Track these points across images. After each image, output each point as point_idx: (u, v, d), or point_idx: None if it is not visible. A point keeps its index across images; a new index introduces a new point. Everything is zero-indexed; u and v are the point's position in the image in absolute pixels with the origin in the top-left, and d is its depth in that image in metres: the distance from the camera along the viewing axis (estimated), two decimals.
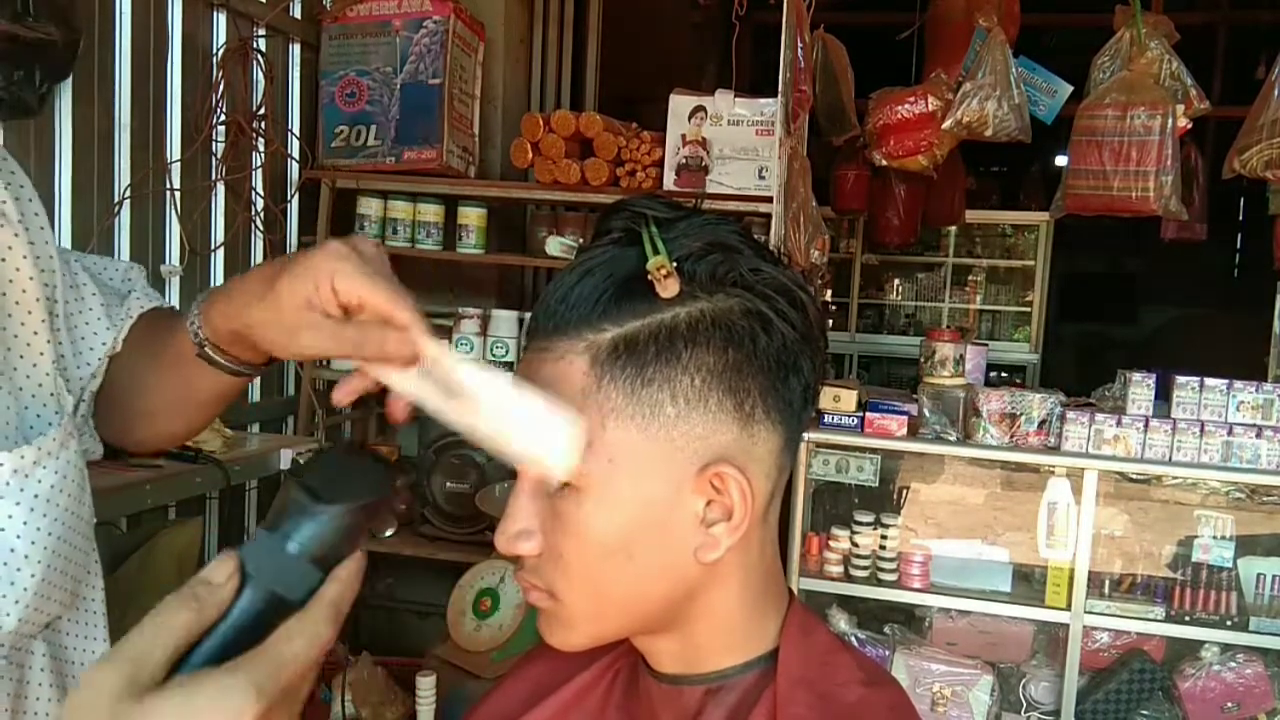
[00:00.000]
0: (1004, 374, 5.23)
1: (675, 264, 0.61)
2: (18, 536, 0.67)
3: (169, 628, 0.45)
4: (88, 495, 0.74)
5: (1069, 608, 2.39)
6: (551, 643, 0.68)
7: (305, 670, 0.46)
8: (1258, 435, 2.28)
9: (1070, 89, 3.03)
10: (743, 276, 0.63)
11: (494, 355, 2.59)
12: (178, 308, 0.81)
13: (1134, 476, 2.46)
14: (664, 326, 0.61)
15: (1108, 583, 2.48)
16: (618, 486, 0.62)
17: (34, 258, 0.71)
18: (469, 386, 0.57)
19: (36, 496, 0.69)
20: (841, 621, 2.52)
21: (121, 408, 0.79)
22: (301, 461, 2.08)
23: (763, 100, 2.51)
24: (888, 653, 2.50)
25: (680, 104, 2.55)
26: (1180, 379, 2.35)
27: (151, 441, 0.82)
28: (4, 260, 0.68)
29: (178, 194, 2.25)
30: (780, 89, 2.23)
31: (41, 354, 0.72)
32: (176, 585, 0.46)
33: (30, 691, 0.72)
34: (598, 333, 0.61)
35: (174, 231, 2.28)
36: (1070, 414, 2.34)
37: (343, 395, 0.60)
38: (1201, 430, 2.29)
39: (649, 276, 0.61)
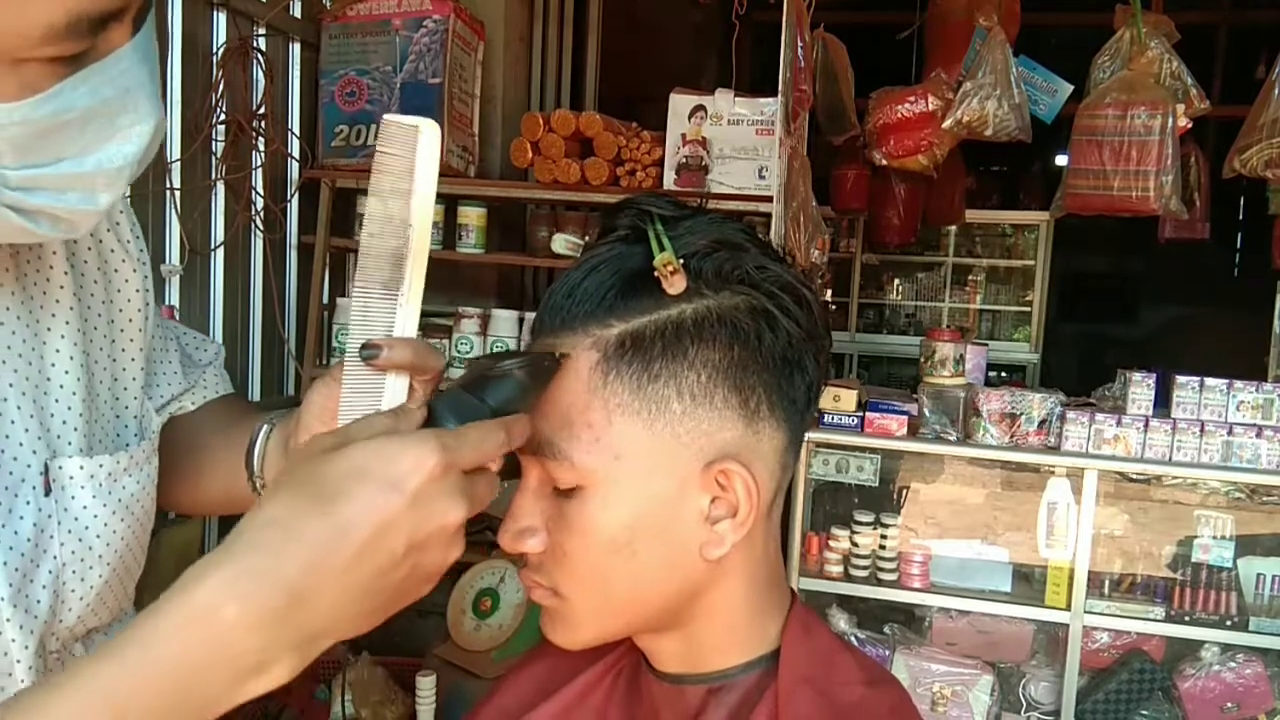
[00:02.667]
0: (1004, 374, 5.24)
1: (681, 261, 0.61)
2: (97, 536, 0.71)
3: (371, 423, 0.53)
4: (152, 517, 0.78)
5: (1069, 608, 2.39)
6: (556, 641, 0.68)
7: (481, 457, 0.53)
8: (1258, 435, 2.28)
9: (1070, 88, 3.03)
10: (749, 274, 0.63)
11: None
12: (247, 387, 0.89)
13: (1134, 476, 2.46)
14: (670, 323, 0.61)
15: (1108, 583, 2.48)
16: (623, 483, 0.62)
17: (142, 295, 0.78)
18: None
19: (120, 501, 0.72)
20: (841, 621, 2.52)
21: (170, 463, 0.83)
22: None
23: (763, 100, 2.50)
24: (888, 652, 2.50)
25: (680, 103, 2.55)
26: (1180, 379, 2.35)
27: (183, 503, 0.87)
28: (121, 290, 0.76)
29: (177, 193, 2.25)
30: (780, 88, 2.23)
31: (134, 379, 0.79)
32: None
33: None
34: (604, 328, 0.62)
35: (174, 231, 2.27)
36: (1070, 414, 2.34)
37: None
38: (1201, 430, 2.30)
39: (656, 273, 0.61)
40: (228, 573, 0.46)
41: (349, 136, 2.61)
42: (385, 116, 0.61)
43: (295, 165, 2.70)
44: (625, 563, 0.63)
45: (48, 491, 0.68)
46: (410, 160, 0.60)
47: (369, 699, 2.34)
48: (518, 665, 0.81)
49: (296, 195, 2.72)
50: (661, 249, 0.61)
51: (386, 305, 0.61)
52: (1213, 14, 5.23)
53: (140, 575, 0.80)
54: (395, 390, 0.60)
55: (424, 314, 0.64)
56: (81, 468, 0.69)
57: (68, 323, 0.70)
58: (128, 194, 0.77)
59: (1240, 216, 6.62)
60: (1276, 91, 2.61)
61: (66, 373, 0.70)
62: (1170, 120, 2.65)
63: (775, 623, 0.70)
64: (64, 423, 0.69)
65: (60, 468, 0.68)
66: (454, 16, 2.56)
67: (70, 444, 0.70)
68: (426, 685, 2.07)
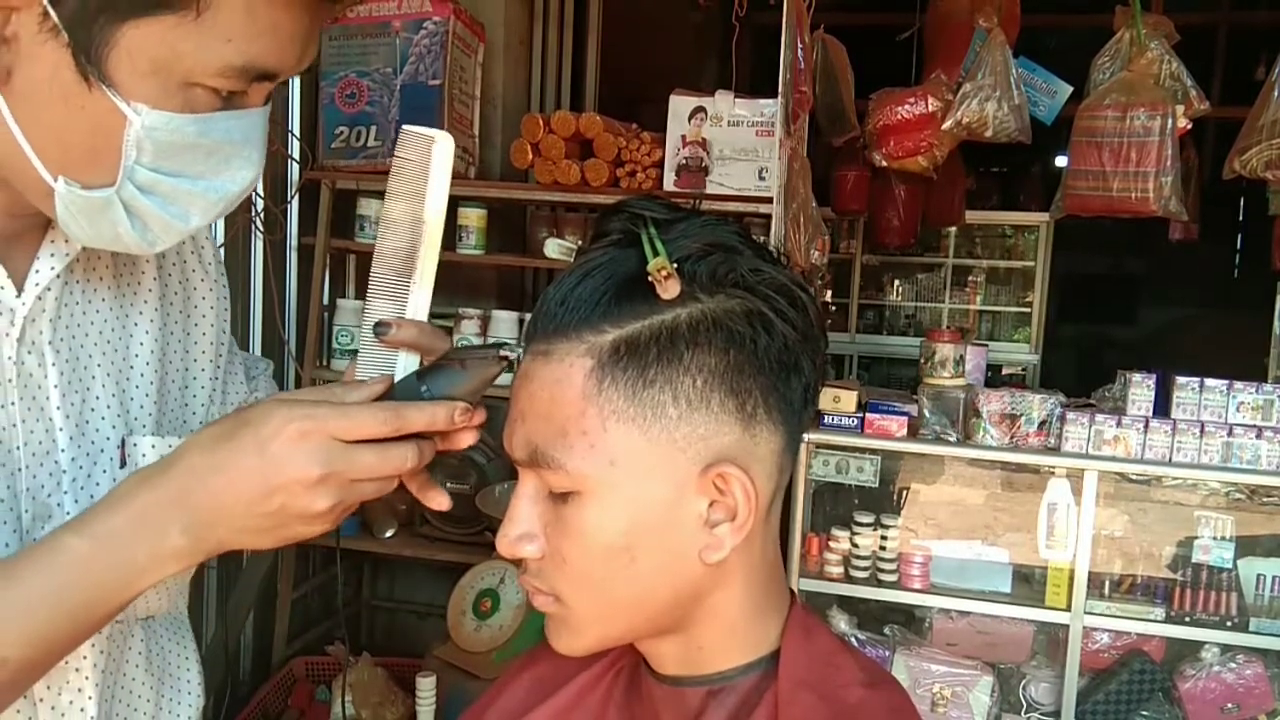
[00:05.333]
0: (1020, 371, 5.24)
1: (675, 265, 0.61)
2: None
3: (325, 390, 0.67)
4: None
5: (1069, 608, 2.39)
6: (559, 648, 0.68)
7: (358, 431, 0.63)
8: (1258, 436, 2.28)
9: (1070, 90, 3.03)
10: (743, 277, 0.63)
11: None
12: None
13: (1134, 477, 2.46)
14: (665, 328, 0.61)
15: (1108, 583, 2.48)
16: (620, 488, 0.62)
17: (216, 313, 0.89)
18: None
19: None
20: (841, 622, 2.52)
21: None
22: None
23: (763, 101, 2.50)
24: (888, 653, 2.50)
25: (680, 104, 2.55)
26: (1180, 379, 2.34)
27: None
28: (198, 306, 0.87)
29: None
30: (780, 90, 2.23)
31: (202, 387, 0.88)
32: None
33: (128, 671, 0.81)
34: (599, 334, 0.61)
35: None
36: (1070, 415, 2.34)
37: None
38: (1201, 431, 2.29)
39: (649, 278, 0.61)
40: (156, 478, 0.64)
41: (349, 138, 2.61)
42: (404, 127, 0.70)
43: (295, 166, 2.70)
44: (624, 568, 0.63)
45: (123, 464, 0.77)
46: (425, 166, 0.68)
47: (369, 700, 2.34)
48: (517, 666, 0.81)
49: (297, 196, 2.73)
50: (655, 253, 0.61)
51: (400, 291, 0.70)
52: (1213, 14, 5.23)
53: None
54: (406, 367, 0.69)
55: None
56: (153, 446, 0.78)
57: (151, 320, 0.81)
58: (215, 224, 0.86)
59: (1240, 217, 6.62)
60: (1276, 93, 2.61)
61: (147, 364, 0.80)
62: (1170, 121, 2.64)
63: (775, 624, 0.70)
64: (140, 406, 0.79)
65: (135, 445, 0.78)
66: (454, 18, 2.56)
67: (144, 426, 0.79)
68: (426, 686, 2.07)
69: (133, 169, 0.63)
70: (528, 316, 2.56)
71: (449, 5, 2.55)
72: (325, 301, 2.69)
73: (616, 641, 0.70)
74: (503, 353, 0.69)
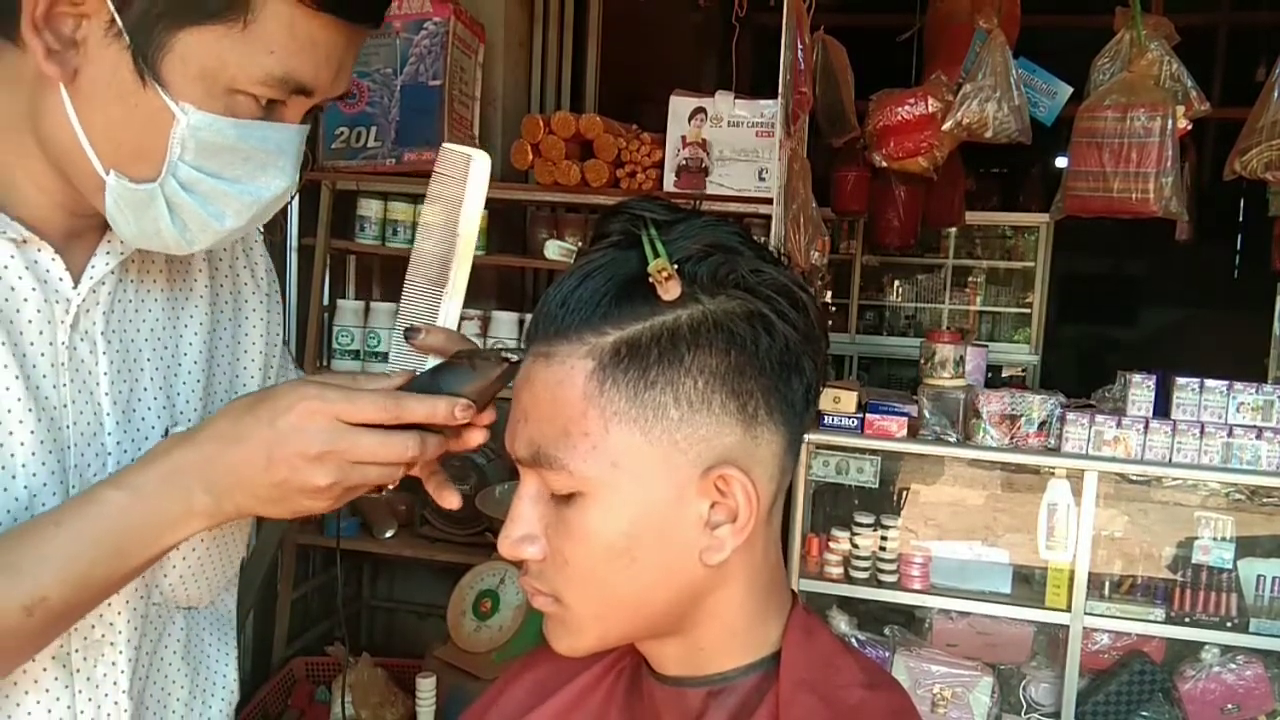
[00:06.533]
0: (1005, 376, 5.24)
1: (676, 266, 0.61)
2: None
3: (345, 376, 0.72)
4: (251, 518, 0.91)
5: (1069, 609, 2.39)
6: (558, 649, 0.68)
7: (361, 416, 0.68)
8: (1258, 436, 2.28)
9: (1070, 90, 3.02)
10: (744, 278, 0.63)
11: None
12: None
13: (1134, 478, 2.46)
14: (666, 329, 0.61)
15: (1108, 584, 2.48)
16: (621, 490, 0.62)
17: (266, 324, 0.94)
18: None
19: None
20: (842, 623, 2.52)
21: None
22: None
23: (763, 102, 2.51)
24: (888, 654, 2.50)
25: (680, 105, 2.55)
26: (1180, 380, 2.34)
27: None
28: (248, 318, 0.93)
29: None
30: (780, 90, 2.23)
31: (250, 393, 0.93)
32: None
33: (165, 656, 0.86)
34: (599, 336, 0.61)
35: None
36: (1070, 415, 2.34)
37: None
38: (1201, 431, 2.29)
39: (650, 279, 0.61)
40: (188, 441, 0.70)
41: (349, 139, 2.61)
42: (444, 145, 0.78)
43: None
44: (625, 569, 0.63)
45: None
46: (462, 182, 0.74)
47: (369, 700, 2.34)
48: (518, 667, 0.81)
49: (297, 197, 2.72)
50: (655, 255, 0.61)
51: (432, 298, 0.75)
52: (1213, 15, 5.23)
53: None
54: None
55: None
56: None
57: (201, 324, 0.87)
58: (261, 234, 0.95)
59: (1240, 218, 6.62)
60: (1276, 93, 2.61)
61: (195, 363, 0.86)
62: (1170, 122, 2.64)
63: (776, 625, 0.70)
64: (186, 401, 0.85)
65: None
66: (454, 19, 2.56)
67: (188, 420, 0.84)
68: (426, 687, 2.07)
69: (176, 164, 0.69)
70: (528, 318, 2.56)
71: (449, 6, 2.55)
72: (325, 302, 2.69)
73: (616, 642, 0.70)
74: (507, 355, 0.71)
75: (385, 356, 2.66)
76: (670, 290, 0.60)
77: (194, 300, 0.87)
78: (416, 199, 2.65)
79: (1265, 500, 2.46)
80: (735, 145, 2.52)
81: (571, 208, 2.77)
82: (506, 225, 2.98)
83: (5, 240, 0.72)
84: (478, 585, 2.37)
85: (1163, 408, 2.36)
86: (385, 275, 2.98)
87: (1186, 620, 2.39)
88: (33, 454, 0.72)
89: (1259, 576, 2.41)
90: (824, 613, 2.52)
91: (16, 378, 0.72)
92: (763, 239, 2.23)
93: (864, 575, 2.53)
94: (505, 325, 2.62)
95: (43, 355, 0.74)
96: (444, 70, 2.55)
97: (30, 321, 0.73)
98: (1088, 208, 2.79)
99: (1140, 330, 7.02)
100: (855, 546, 2.52)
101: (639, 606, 0.65)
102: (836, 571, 2.54)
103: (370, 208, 2.64)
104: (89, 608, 0.72)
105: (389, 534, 2.70)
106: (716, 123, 2.53)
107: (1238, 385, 2.32)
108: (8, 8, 0.66)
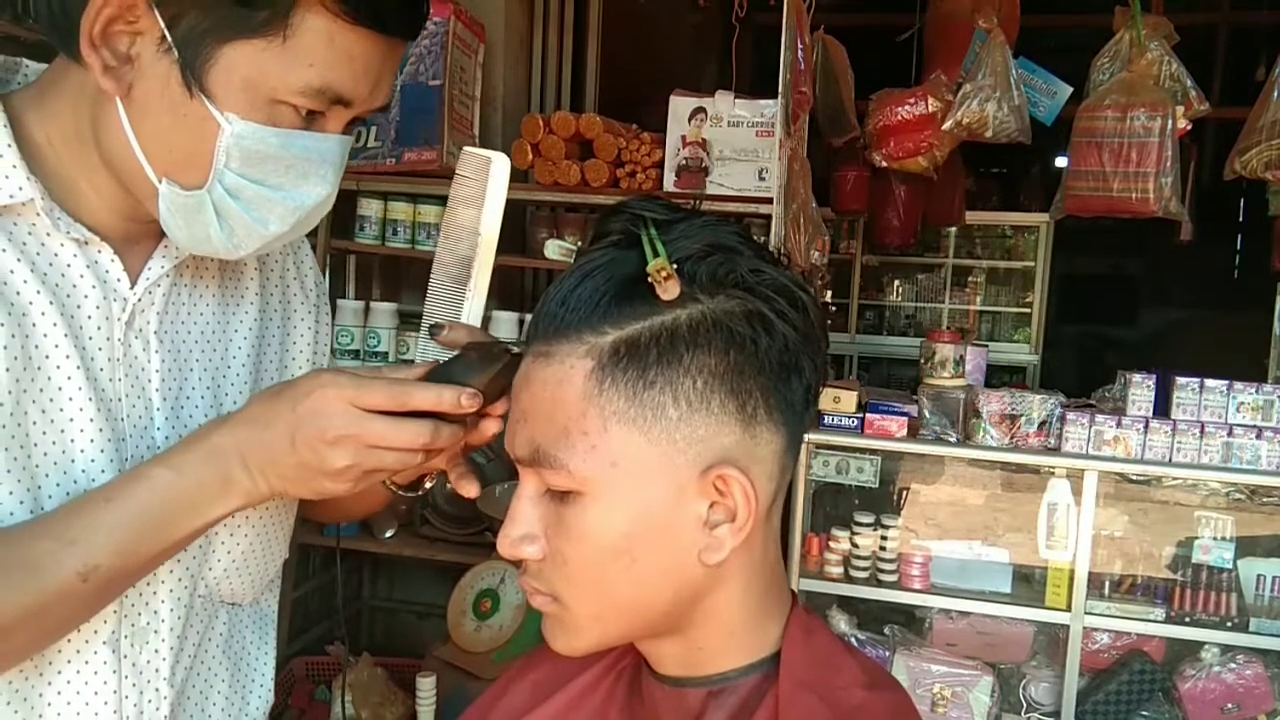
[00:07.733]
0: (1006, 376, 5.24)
1: (675, 266, 0.61)
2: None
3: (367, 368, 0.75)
4: (292, 519, 0.97)
5: (1069, 609, 2.39)
6: (556, 648, 0.68)
7: (378, 403, 0.72)
8: (1258, 436, 2.28)
9: (1070, 90, 3.03)
10: (743, 278, 0.63)
11: None
12: None
13: (1134, 477, 2.46)
14: (665, 329, 0.61)
15: (1108, 584, 2.48)
16: (620, 490, 0.62)
17: (314, 333, 0.99)
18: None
19: None
20: (841, 622, 2.52)
21: None
22: None
23: (763, 101, 2.50)
24: (888, 654, 2.50)
25: (680, 105, 2.55)
26: (1180, 380, 2.34)
27: (329, 510, 1.07)
28: (296, 326, 0.97)
29: None
30: (780, 90, 2.23)
31: None
32: None
33: (208, 649, 0.89)
34: (599, 335, 0.61)
35: None
36: (1070, 415, 2.34)
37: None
38: (1201, 431, 2.29)
39: (649, 279, 0.61)
40: (225, 424, 0.75)
41: None
42: (465, 149, 0.81)
43: None
44: (624, 569, 0.63)
45: None
46: (483, 184, 0.76)
47: (369, 700, 2.34)
48: (518, 667, 0.81)
49: None
50: (655, 254, 0.61)
51: (455, 296, 0.79)
52: (1213, 15, 5.22)
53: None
54: None
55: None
56: None
57: (250, 329, 0.91)
58: (304, 243, 0.99)
59: (1240, 218, 6.62)
60: (1276, 93, 2.61)
61: (243, 366, 0.90)
62: (1170, 122, 2.64)
63: (776, 625, 0.70)
64: (234, 401, 0.88)
65: None
66: (454, 18, 2.56)
67: None
68: (426, 686, 2.07)
69: (222, 171, 0.73)
70: (528, 317, 2.56)
71: (449, 5, 2.55)
72: None
73: (615, 642, 0.70)
74: (511, 348, 0.73)
75: (385, 356, 2.66)
76: (669, 290, 0.60)
77: (244, 306, 0.91)
78: (416, 199, 2.65)
79: (1265, 500, 2.46)
80: (735, 145, 2.52)
81: (571, 207, 2.77)
82: (506, 225, 2.96)
83: (69, 240, 0.76)
84: (478, 585, 2.37)
85: (1163, 407, 2.36)
86: (385, 275, 2.98)
87: (1186, 620, 2.39)
88: (91, 440, 0.77)
89: (1259, 576, 2.41)
90: (824, 612, 2.52)
91: (78, 368, 0.76)
92: (763, 239, 2.23)
93: (864, 575, 2.53)
94: (505, 325, 2.62)
95: (100, 350, 0.78)
96: (444, 70, 2.55)
97: (90, 317, 0.78)
98: (1088, 207, 2.79)
99: (1140, 330, 7.02)
100: (855, 546, 2.52)
101: (638, 606, 0.65)
102: (836, 571, 2.54)
103: (370, 207, 2.64)
104: (137, 576, 0.76)
105: (389, 534, 2.70)
106: (716, 122, 2.53)
107: (1238, 385, 2.32)
108: (70, 28, 0.70)
